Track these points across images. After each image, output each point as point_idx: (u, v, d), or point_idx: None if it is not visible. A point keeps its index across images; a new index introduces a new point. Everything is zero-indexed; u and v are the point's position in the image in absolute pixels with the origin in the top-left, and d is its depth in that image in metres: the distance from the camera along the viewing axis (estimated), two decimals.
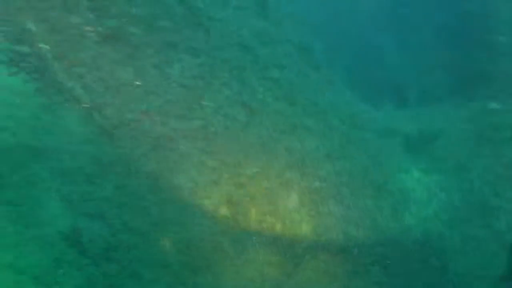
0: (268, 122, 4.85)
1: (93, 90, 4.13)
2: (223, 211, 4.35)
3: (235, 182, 4.43)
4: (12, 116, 8.53)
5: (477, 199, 5.36)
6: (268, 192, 4.51)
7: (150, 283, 4.42)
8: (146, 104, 4.27)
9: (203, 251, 4.39)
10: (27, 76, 5.90)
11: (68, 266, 5.13)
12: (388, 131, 5.64)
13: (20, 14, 4.23)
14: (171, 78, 4.49)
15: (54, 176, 6.73)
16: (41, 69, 5.70)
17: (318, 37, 6.19)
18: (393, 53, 7.50)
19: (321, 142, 5.03)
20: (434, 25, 7.32)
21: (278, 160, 4.70)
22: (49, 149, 7.35)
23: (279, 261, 4.59)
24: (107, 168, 7.27)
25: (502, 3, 7.30)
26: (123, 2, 4.46)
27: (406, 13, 7.62)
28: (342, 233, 4.69)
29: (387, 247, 4.89)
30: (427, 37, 7.31)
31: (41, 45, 4.12)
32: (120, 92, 4.20)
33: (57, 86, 5.63)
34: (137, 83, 4.27)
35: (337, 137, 5.20)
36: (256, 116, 4.81)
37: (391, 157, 5.36)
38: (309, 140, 4.97)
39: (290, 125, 4.97)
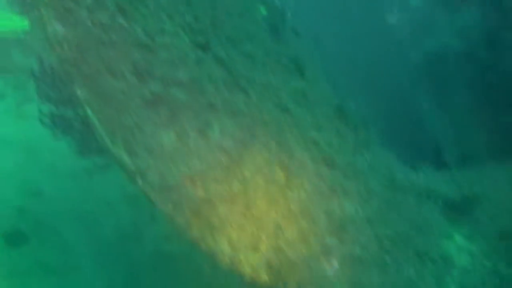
0: (307, 185, 4.81)
1: (136, 154, 4.16)
2: (263, 276, 4.27)
3: (275, 246, 4.37)
4: (53, 179, 8.72)
5: None
6: (307, 258, 4.43)
7: None
8: (188, 168, 4.28)
9: None
10: (70, 139, 6.07)
11: None
12: (429, 194, 5.54)
13: (66, 80, 4.31)
14: (212, 140, 4.51)
15: (91, 240, 6.83)
16: (85, 133, 5.85)
17: (355, 97, 6.21)
18: (431, 113, 7.47)
19: (361, 205, 4.96)
20: (474, 84, 7.30)
21: (318, 224, 4.63)
22: (88, 212, 7.47)
23: None
24: (146, 232, 7.30)
25: None
26: (167, 66, 4.55)
27: (444, 71, 7.62)
28: None
29: None
30: (467, 96, 7.28)
31: (85, 109, 4.18)
32: (163, 156, 4.22)
33: (100, 150, 5.74)
34: (179, 146, 4.30)
35: (377, 200, 5.12)
36: (295, 179, 4.78)
37: (432, 222, 5.24)
38: (348, 203, 4.90)
39: (329, 188, 4.92)
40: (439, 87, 7.58)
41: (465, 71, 7.46)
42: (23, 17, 11.15)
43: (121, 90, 4.31)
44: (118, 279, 6.27)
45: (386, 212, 5.04)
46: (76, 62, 4.25)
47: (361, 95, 6.65)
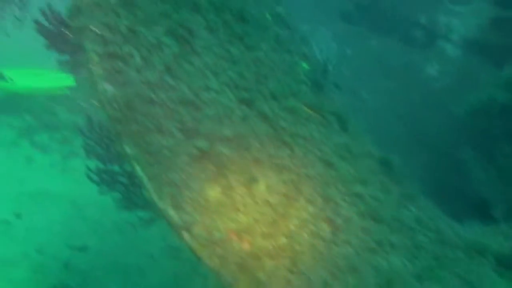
0: (354, 240, 4.75)
1: (183, 209, 4.21)
2: None
3: None
4: (98, 232, 8.86)
5: None
6: None
7: None
8: (234, 222, 4.30)
9: None
10: (115, 194, 6.20)
11: None
12: (478, 249, 5.38)
13: (115, 137, 4.44)
14: (258, 195, 4.53)
15: None
16: (130, 188, 5.96)
17: (398, 150, 6.17)
18: (476, 166, 7.35)
19: (409, 260, 4.86)
20: None
21: (365, 279, 4.54)
22: (133, 266, 7.55)
23: None
24: (189, 285, 7.29)
25: None
26: (212, 123, 4.64)
27: (489, 124, 7.53)
28: None
29: None
30: None
31: (133, 165, 4.27)
32: (209, 211, 4.25)
33: (145, 204, 5.83)
34: (225, 201, 4.34)
35: (425, 255, 5.02)
36: (341, 233, 4.73)
37: (484, 278, 5.08)
38: (396, 258, 4.81)
39: (376, 243, 4.85)
40: (484, 140, 7.48)
41: (510, 123, 7.36)
42: (69, 75, 11.62)
43: (169, 146, 4.40)
44: None
45: (435, 267, 4.92)
46: (125, 120, 4.37)
47: (405, 148, 6.62)
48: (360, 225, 4.89)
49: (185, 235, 4.23)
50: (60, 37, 5.58)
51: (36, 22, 5.65)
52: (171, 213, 4.22)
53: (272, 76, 5.52)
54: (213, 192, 4.39)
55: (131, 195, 6.12)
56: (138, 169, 4.33)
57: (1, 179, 10.28)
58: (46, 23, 5.62)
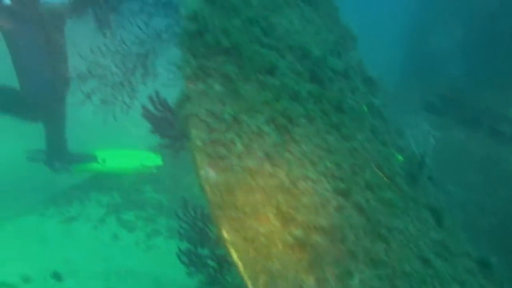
0: None
1: None
2: None
3: None
4: None
5: None
6: None
7: None
8: None
9: None
10: (202, 277, 6.23)
11: None
12: None
13: (213, 222, 4.51)
14: None
15: None
16: (219, 272, 5.98)
17: (496, 250, 5.92)
18: None
19: None
20: None
21: None
22: None
23: None
24: None
25: None
26: (308, 212, 4.65)
27: None
28: None
29: None
30: None
31: (228, 251, 4.29)
32: None
33: None
34: None
35: None
36: None
37: None
38: None
39: None
40: None
41: None
42: (156, 154, 12.07)
43: (265, 234, 4.41)
44: None
45: None
46: (224, 206, 4.45)
47: (503, 249, 6.33)
48: None
49: None
50: (164, 122, 5.87)
51: (143, 107, 5.99)
52: None
53: (367, 167, 5.52)
54: (307, 283, 4.33)
55: (219, 279, 6.13)
56: (233, 254, 4.34)
57: (89, 255, 10.59)
58: (152, 109, 5.94)
